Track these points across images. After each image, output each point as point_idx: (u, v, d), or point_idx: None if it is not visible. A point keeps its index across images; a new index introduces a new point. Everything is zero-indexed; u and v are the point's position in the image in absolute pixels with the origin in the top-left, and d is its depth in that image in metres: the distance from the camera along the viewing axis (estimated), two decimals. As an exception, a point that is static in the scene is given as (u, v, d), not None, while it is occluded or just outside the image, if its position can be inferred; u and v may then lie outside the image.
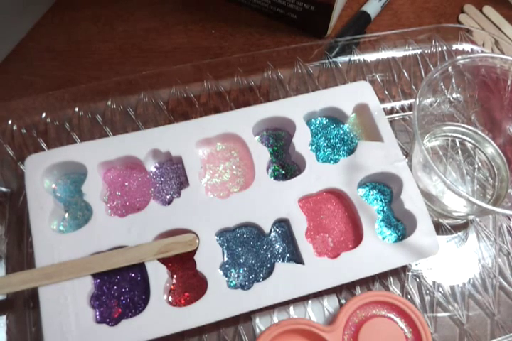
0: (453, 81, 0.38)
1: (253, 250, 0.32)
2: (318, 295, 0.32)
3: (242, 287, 0.31)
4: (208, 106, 0.39)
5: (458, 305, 0.33)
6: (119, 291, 0.31)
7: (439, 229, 0.35)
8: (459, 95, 0.39)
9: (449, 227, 0.35)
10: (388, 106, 0.39)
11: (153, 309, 0.29)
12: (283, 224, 0.33)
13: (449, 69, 0.33)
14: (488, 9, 0.46)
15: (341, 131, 0.36)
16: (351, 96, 0.36)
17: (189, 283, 0.31)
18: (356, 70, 0.40)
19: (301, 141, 0.34)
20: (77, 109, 0.37)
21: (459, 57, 0.33)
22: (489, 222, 0.36)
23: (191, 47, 0.43)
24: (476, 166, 0.37)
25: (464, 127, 0.38)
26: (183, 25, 0.44)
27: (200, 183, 0.33)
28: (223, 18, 0.45)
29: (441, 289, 0.33)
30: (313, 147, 0.36)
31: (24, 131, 0.36)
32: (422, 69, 0.40)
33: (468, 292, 0.33)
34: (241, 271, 0.32)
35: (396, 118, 0.39)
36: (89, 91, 0.37)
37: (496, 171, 0.37)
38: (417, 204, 0.32)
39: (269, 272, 0.31)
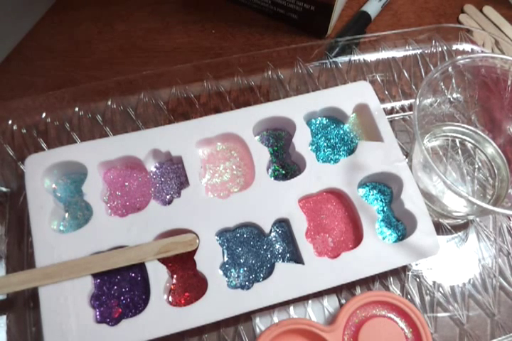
0: (453, 81, 0.38)
1: (253, 250, 0.32)
2: (318, 295, 0.32)
3: (242, 287, 0.31)
4: (208, 106, 0.39)
5: (458, 305, 0.33)
6: (119, 291, 0.31)
7: (439, 229, 0.35)
8: (459, 95, 0.39)
9: (449, 227, 0.35)
10: (388, 106, 0.39)
11: (153, 309, 0.29)
12: (283, 224, 0.33)
13: (449, 69, 0.33)
14: (488, 9, 0.46)
15: (341, 131, 0.36)
16: (351, 96, 0.36)
17: (189, 283, 0.31)
18: (356, 70, 0.40)
19: (302, 141, 0.34)
20: (77, 109, 0.37)
21: (459, 57, 0.33)
22: (489, 222, 0.36)
23: (191, 47, 0.43)
24: (476, 166, 0.37)
25: (464, 127, 0.38)
26: (183, 25, 0.44)
27: (201, 183, 0.33)
28: (223, 18, 0.45)
29: (441, 289, 0.33)
30: (314, 147, 0.36)
31: (24, 131, 0.36)
32: (422, 69, 0.40)
33: (469, 292, 0.33)
34: (241, 271, 0.32)
35: (396, 118, 0.39)
36: (89, 92, 0.37)
37: (496, 171, 0.37)
38: (417, 204, 0.32)
39: (269, 272, 0.31)
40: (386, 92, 0.40)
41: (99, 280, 0.31)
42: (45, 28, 0.44)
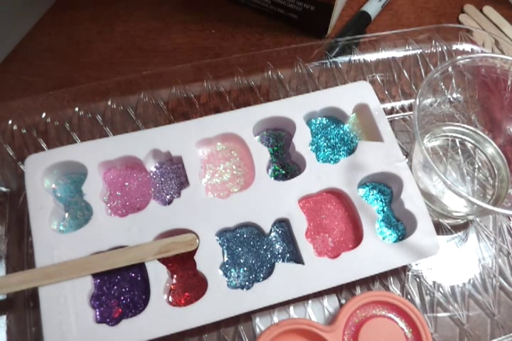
0: (453, 81, 0.38)
1: (253, 250, 0.32)
2: (318, 295, 0.32)
3: (242, 287, 0.31)
4: (208, 106, 0.39)
5: (458, 305, 0.33)
6: (119, 291, 0.31)
7: (439, 229, 0.35)
8: (459, 95, 0.39)
9: (449, 227, 0.35)
10: (388, 106, 0.39)
11: (153, 309, 0.29)
12: (283, 224, 0.33)
13: (449, 69, 0.33)
14: (488, 9, 0.46)
15: (341, 131, 0.36)
16: (351, 96, 0.36)
17: (189, 283, 0.31)
18: (356, 70, 0.40)
19: (301, 141, 0.34)
20: (77, 109, 0.37)
21: (459, 57, 0.33)
22: (489, 222, 0.36)
23: (191, 47, 0.43)
24: (476, 166, 0.37)
25: (464, 127, 0.38)
26: (183, 25, 0.44)
27: (201, 183, 0.33)
28: (223, 18, 0.45)
29: (441, 289, 0.33)
30: (314, 147, 0.36)
31: (24, 131, 0.36)
32: (422, 69, 0.40)
33: (468, 292, 0.33)
34: (241, 271, 0.32)
35: (396, 118, 0.39)
36: (89, 92, 0.37)
37: (496, 171, 0.37)
38: (417, 204, 0.32)
39: (269, 272, 0.31)
40: (386, 92, 0.40)
41: (99, 280, 0.31)
42: (45, 28, 0.44)
